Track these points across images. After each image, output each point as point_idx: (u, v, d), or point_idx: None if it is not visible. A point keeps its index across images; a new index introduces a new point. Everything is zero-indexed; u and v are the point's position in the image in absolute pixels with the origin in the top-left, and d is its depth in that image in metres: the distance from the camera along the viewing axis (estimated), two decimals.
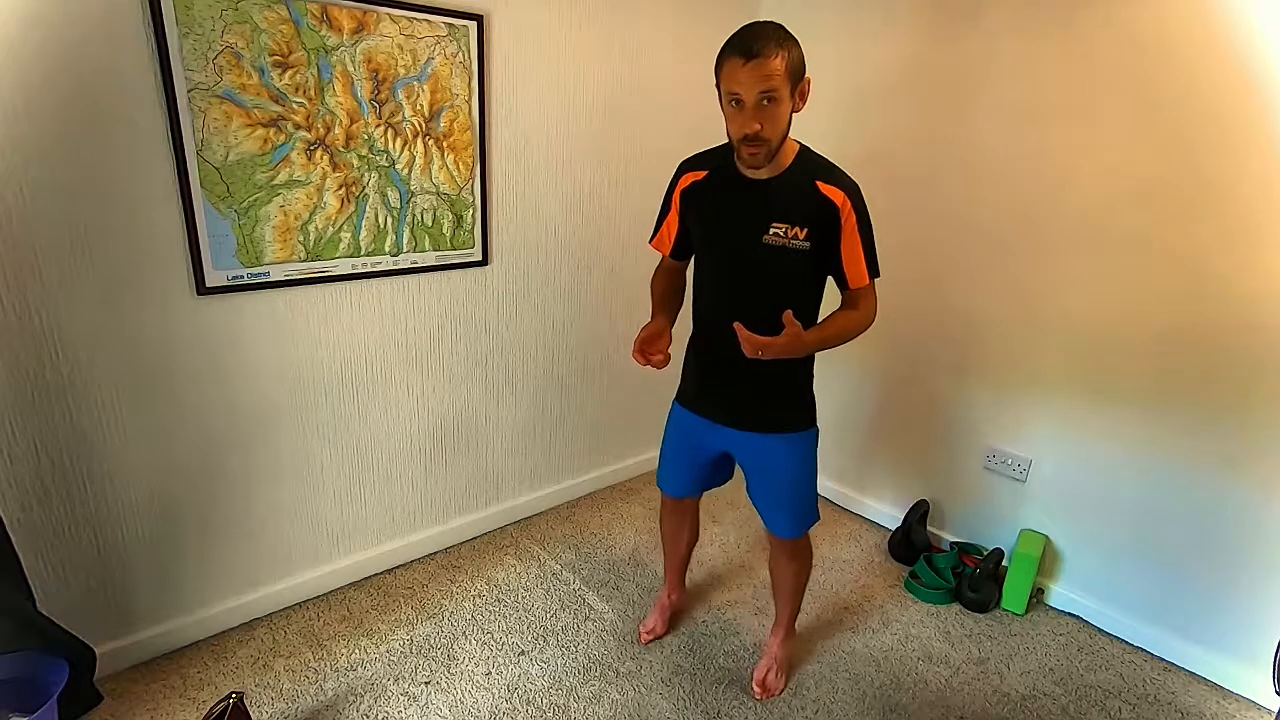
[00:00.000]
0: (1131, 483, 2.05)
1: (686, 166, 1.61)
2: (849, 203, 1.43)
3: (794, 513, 1.72)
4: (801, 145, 1.49)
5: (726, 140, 1.52)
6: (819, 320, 1.56)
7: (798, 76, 1.34)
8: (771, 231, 1.44)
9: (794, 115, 1.39)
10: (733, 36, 1.32)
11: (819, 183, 1.43)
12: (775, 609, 1.91)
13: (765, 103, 1.31)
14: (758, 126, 1.33)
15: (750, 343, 1.37)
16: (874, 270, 1.51)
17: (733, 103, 1.34)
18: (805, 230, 1.43)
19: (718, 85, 1.38)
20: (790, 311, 1.37)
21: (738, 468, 1.82)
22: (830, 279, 1.55)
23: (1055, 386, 2.16)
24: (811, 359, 1.64)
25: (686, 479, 1.85)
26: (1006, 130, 2.12)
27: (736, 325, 1.37)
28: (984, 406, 2.34)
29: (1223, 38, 1.72)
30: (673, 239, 1.67)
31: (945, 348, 2.41)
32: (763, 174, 1.46)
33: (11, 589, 1.49)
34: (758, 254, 1.47)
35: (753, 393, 1.60)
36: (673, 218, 1.64)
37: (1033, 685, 1.94)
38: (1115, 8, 1.87)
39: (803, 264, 1.46)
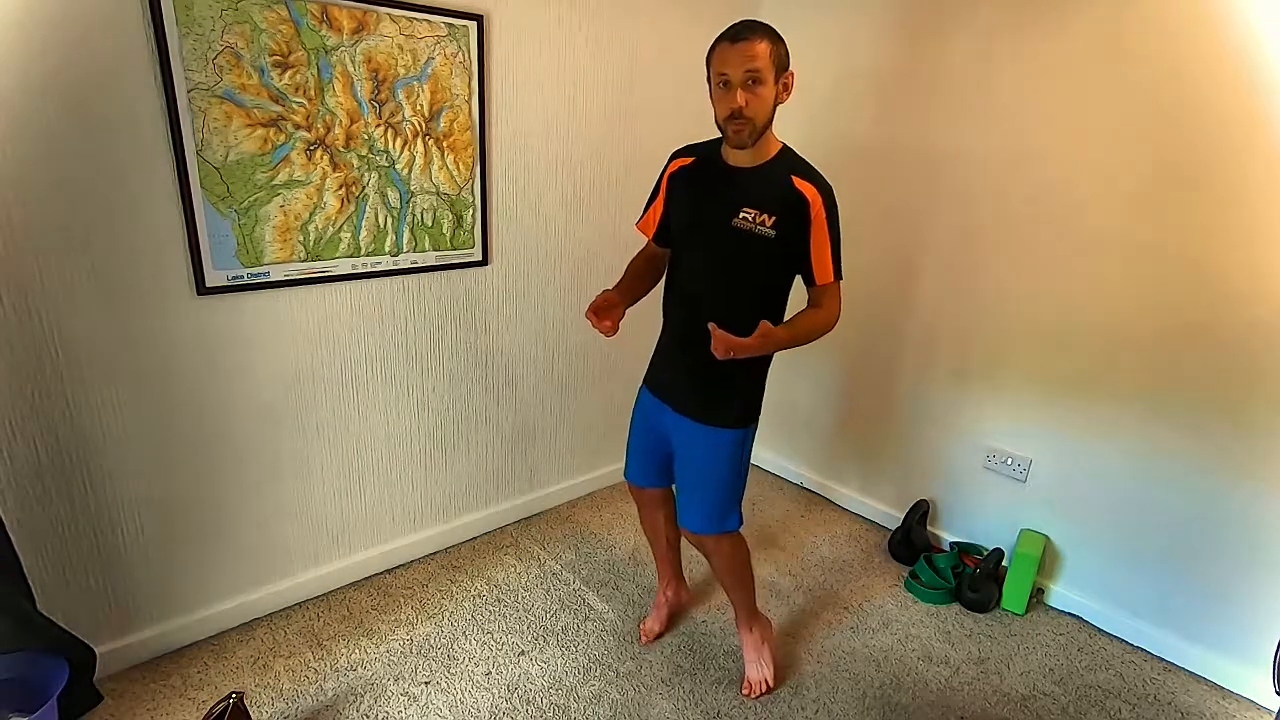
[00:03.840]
0: (1131, 483, 2.05)
1: (677, 154, 1.69)
2: (820, 200, 1.50)
3: (705, 507, 1.71)
4: (785, 144, 1.56)
5: (717, 136, 1.59)
6: (784, 318, 1.61)
7: (782, 66, 1.45)
8: (741, 215, 1.51)
9: (779, 106, 1.47)
10: (724, 30, 1.44)
11: (795, 177, 1.51)
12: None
13: (750, 83, 1.41)
14: (742, 102, 1.41)
15: (723, 343, 1.41)
16: (838, 271, 1.56)
17: (721, 84, 1.44)
18: (773, 219, 1.49)
19: (708, 75, 1.48)
20: (766, 321, 1.43)
21: None
22: (799, 280, 1.60)
23: (1055, 386, 2.16)
24: (767, 364, 1.67)
25: (646, 465, 1.86)
26: (1006, 130, 2.12)
27: (711, 325, 1.42)
28: (984, 406, 2.34)
29: (1222, 37, 1.72)
30: (657, 223, 1.73)
31: (944, 348, 2.40)
32: (744, 162, 1.53)
33: (11, 589, 1.49)
34: (725, 235, 1.53)
35: (699, 380, 1.64)
36: (659, 202, 1.71)
37: (1033, 685, 1.94)
38: (1113, 7, 1.87)
39: (767, 251, 1.51)
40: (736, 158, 1.53)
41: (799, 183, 1.49)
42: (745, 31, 1.40)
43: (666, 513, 1.95)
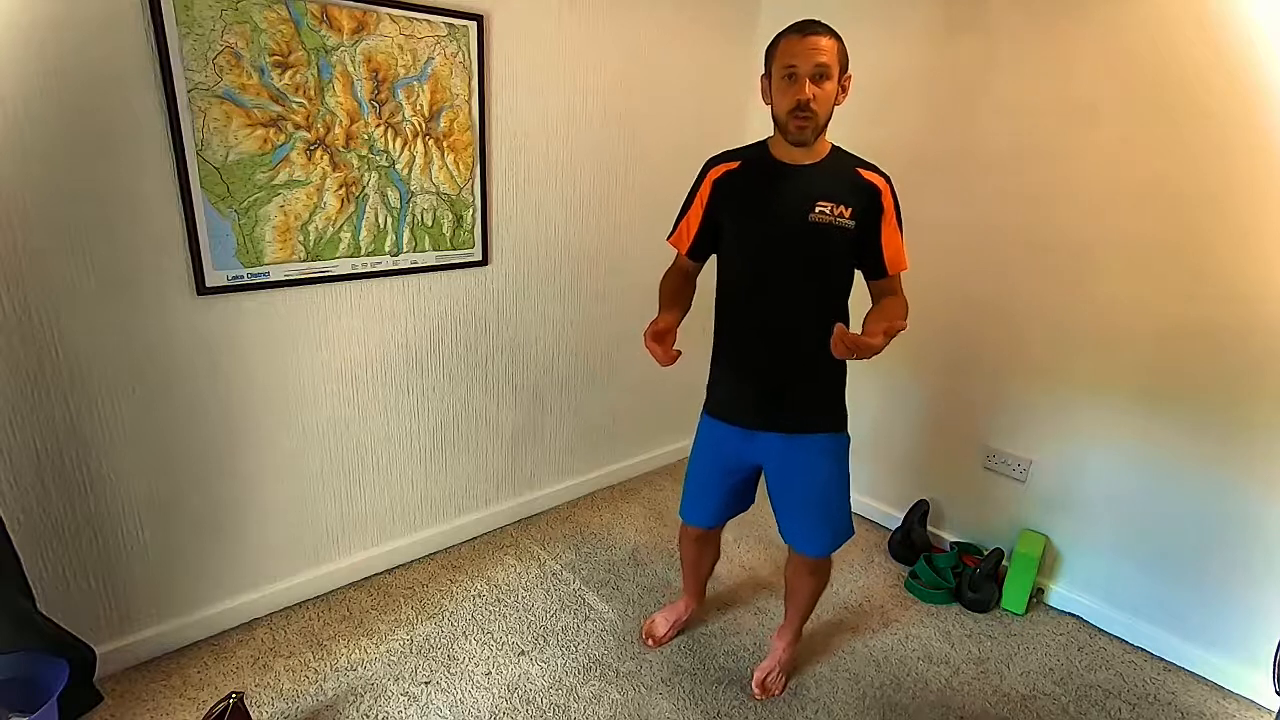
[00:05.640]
0: (1131, 482, 2.05)
1: (716, 160, 1.60)
2: (888, 188, 1.50)
3: (827, 524, 1.67)
4: (833, 143, 1.54)
5: (742, 146, 1.58)
6: (848, 311, 1.59)
7: (844, 65, 1.43)
8: (818, 210, 1.46)
9: (835, 108, 1.45)
10: (787, 26, 1.43)
11: (859, 169, 1.51)
12: (786, 615, 1.89)
13: (818, 77, 1.39)
14: (810, 95, 1.38)
15: (859, 344, 1.31)
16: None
17: (787, 76, 1.41)
18: (850, 210, 1.47)
19: (767, 70, 1.46)
20: (897, 320, 1.38)
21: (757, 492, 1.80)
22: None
23: (1055, 386, 2.16)
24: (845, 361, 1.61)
25: (715, 506, 1.78)
26: (1005, 131, 2.12)
27: (838, 326, 1.32)
28: (984, 406, 2.34)
29: (1224, 39, 1.72)
30: (692, 236, 1.63)
31: (944, 347, 2.41)
32: (802, 159, 1.49)
33: (11, 589, 1.49)
34: (802, 233, 1.47)
35: (792, 390, 1.58)
36: (696, 212, 1.61)
37: (1033, 685, 1.94)
38: (1119, 11, 1.87)
39: (845, 244, 1.49)
40: (793, 155, 1.48)
41: (865, 174, 1.49)
42: (812, 26, 1.39)
43: (714, 547, 1.95)
